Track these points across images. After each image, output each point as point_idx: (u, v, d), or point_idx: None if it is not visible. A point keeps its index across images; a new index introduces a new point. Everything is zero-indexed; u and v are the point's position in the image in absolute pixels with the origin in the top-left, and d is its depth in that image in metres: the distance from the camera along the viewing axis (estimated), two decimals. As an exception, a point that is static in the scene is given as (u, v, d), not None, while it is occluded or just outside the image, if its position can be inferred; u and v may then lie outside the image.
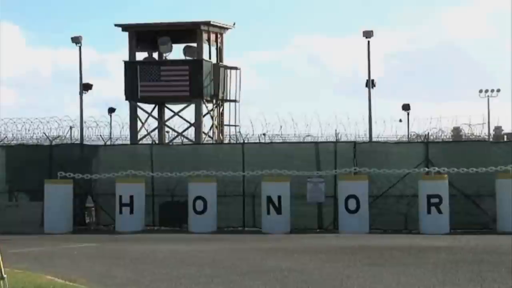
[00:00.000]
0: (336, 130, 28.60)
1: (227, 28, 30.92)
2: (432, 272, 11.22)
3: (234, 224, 20.21)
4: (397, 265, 12.09)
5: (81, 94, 28.20)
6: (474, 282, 10.24)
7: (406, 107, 47.67)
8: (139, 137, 29.11)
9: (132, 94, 28.35)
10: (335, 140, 24.03)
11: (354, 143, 20.75)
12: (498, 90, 53.84)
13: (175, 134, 31.80)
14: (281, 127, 33.64)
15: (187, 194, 19.64)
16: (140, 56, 29.91)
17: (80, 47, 27.84)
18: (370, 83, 36.39)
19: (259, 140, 27.72)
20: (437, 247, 14.60)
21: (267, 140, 30.27)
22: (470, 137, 35.63)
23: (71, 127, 34.81)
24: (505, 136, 36.38)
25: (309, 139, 26.82)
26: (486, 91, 54.73)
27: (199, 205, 19.38)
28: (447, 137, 36.35)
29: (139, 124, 29.03)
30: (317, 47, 71.19)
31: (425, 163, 19.48)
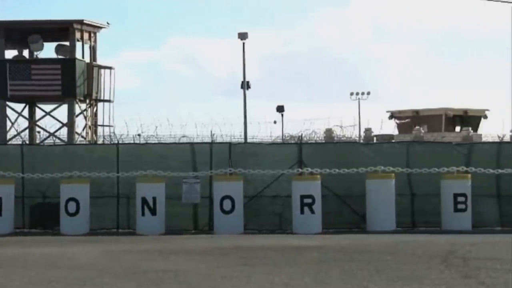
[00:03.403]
0: (211, 131, 28.73)
1: (100, 27, 30.47)
2: (305, 271, 11.41)
3: (108, 225, 19.92)
4: (271, 265, 12.23)
5: None
6: (345, 281, 10.49)
7: (280, 109, 48.38)
8: (8, 137, 28.27)
9: (1, 93, 27.47)
10: (210, 141, 24.08)
11: (230, 144, 20.87)
12: (368, 93, 55.63)
13: (47, 134, 31.07)
14: (156, 127, 33.48)
15: (59, 195, 19.21)
16: (10, 54, 29.04)
17: None
18: (245, 85, 36.71)
19: (134, 140, 27.47)
20: (309, 246, 14.87)
21: (142, 141, 30.01)
22: (342, 138, 36.56)
23: None
24: (375, 138, 37.51)
25: (184, 139, 26.82)
26: (357, 93, 56.31)
27: (72, 206, 18.98)
28: (320, 138, 37.16)
29: (9, 124, 28.17)
30: (193, 48, 71.43)
31: (298, 164, 19.82)
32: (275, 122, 43.49)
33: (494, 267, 11.40)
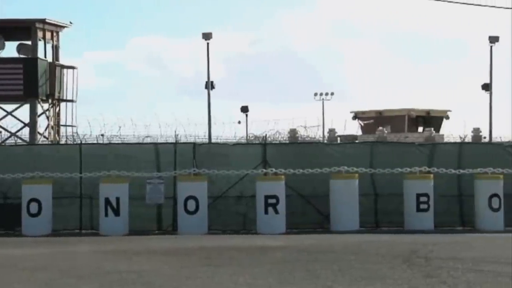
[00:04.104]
0: (175, 131, 28.65)
1: (63, 27, 30.23)
2: (269, 271, 11.43)
3: (71, 226, 19.75)
4: (235, 265, 12.23)
5: None
6: (308, 281, 10.53)
7: (244, 109, 48.41)
8: (-32, 137, 27.93)
9: (-38, 92, 27.13)
10: (174, 141, 24.03)
11: (194, 144, 20.81)
12: (332, 94, 55.89)
13: (8, 134, 30.75)
14: (119, 127, 33.32)
15: (21, 196, 19.00)
16: (-31, 53, 28.70)
17: None
18: (209, 85, 36.65)
19: (97, 141, 27.31)
20: (274, 246, 14.90)
21: (106, 141, 29.84)
22: (306, 139, 36.68)
23: None
24: (339, 138, 37.68)
25: (148, 140, 26.73)
26: (321, 94, 56.55)
27: (34, 207, 18.79)
28: (284, 138, 37.23)
29: (-31, 124, 27.83)
30: (158, 48, 71.16)
31: (263, 164, 19.84)
32: (239, 122, 43.57)
33: (456, 266, 11.52)
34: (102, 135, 32.81)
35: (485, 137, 37.25)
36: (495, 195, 19.42)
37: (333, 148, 21.27)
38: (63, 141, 29.02)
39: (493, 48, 42.55)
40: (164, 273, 11.50)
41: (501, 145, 22.50)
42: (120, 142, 29.24)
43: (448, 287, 9.90)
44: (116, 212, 18.74)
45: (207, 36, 34.88)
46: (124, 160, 19.63)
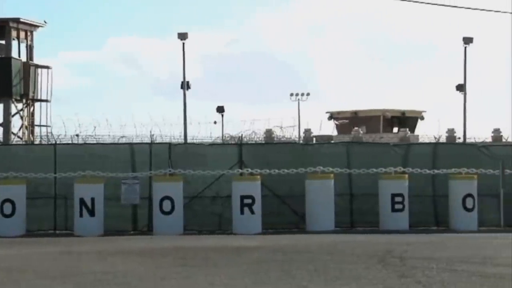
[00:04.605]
0: (151, 131, 28.56)
1: (37, 26, 30.04)
2: (244, 272, 11.43)
3: (46, 227, 19.61)
4: (211, 265, 12.22)
5: None
6: (284, 281, 10.54)
7: (220, 109, 48.32)
8: None
9: None
10: (150, 141, 23.96)
11: (169, 144, 20.75)
12: (308, 94, 55.99)
13: (-18, 134, 30.48)
14: (95, 127, 33.15)
15: (-6, 196, 18.83)
16: None
17: None
18: (185, 85, 36.55)
19: (72, 141, 27.15)
20: (249, 247, 14.89)
21: (80, 141, 29.69)
22: (282, 139, 36.73)
23: None
24: (314, 138, 37.80)
25: (124, 140, 26.60)
26: (297, 94, 56.61)
27: (7, 207, 18.63)
28: (260, 139, 37.27)
29: None
30: (134, 48, 70.91)
31: (239, 165, 19.84)
32: (215, 122, 43.49)
33: (430, 266, 11.59)
34: (77, 135, 32.66)
35: (459, 138, 37.51)
36: (469, 195, 19.55)
37: (309, 148, 21.31)
38: (37, 141, 28.83)
39: (467, 49, 42.89)
40: (139, 273, 11.46)
41: (475, 145, 22.68)
42: (95, 142, 29.11)
43: (423, 287, 9.96)
44: (91, 213, 18.64)
45: (182, 36, 34.79)
46: (99, 160, 19.53)
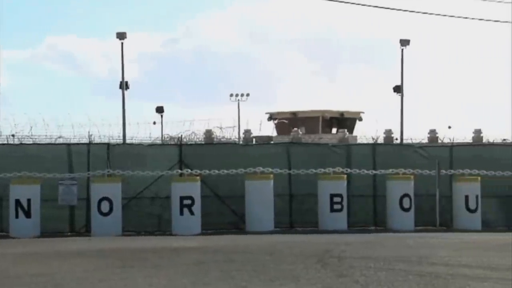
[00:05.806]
0: (89, 132, 28.16)
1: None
2: (183, 272, 11.38)
3: (-20, 229, 19.24)
4: (150, 267, 12.13)
5: None
6: (223, 282, 10.53)
7: (160, 110, 48.04)
8: None
9: None
10: (88, 141, 23.66)
11: (108, 145, 20.55)
12: (248, 95, 56.07)
13: None
14: (31, 127, 32.52)
15: None
16: None
17: None
18: (124, 85, 36.26)
19: (8, 141, 26.61)
20: (188, 248, 14.85)
21: (16, 141, 29.13)
22: (222, 139, 36.66)
23: None
24: (254, 139, 37.85)
25: (61, 140, 26.16)
26: (237, 95, 56.65)
27: None
28: (200, 139, 37.13)
29: None
30: (72, 47, 70.02)
31: (178, 165, 19.76)
32: (154, 123, 43.13)
33: (368, 265, 11.72)
34: (13, 135, 32.03)
35: (396, 139, 37.98)
36: (406, 195, 19.85)
37: (249, 149, 21.36)
38: (-28, 142, 28.20)
39: (404, 51, 43.51)
40: (76, 275, 11.32)
41: (412, 146, 23.00)
42: (31, 142, 28.61)
43: (361, 286, 10.06)
44: (27, 214, 18.34)
45: (121, 35, 34.48)
46: (35, 161, 19.23)
